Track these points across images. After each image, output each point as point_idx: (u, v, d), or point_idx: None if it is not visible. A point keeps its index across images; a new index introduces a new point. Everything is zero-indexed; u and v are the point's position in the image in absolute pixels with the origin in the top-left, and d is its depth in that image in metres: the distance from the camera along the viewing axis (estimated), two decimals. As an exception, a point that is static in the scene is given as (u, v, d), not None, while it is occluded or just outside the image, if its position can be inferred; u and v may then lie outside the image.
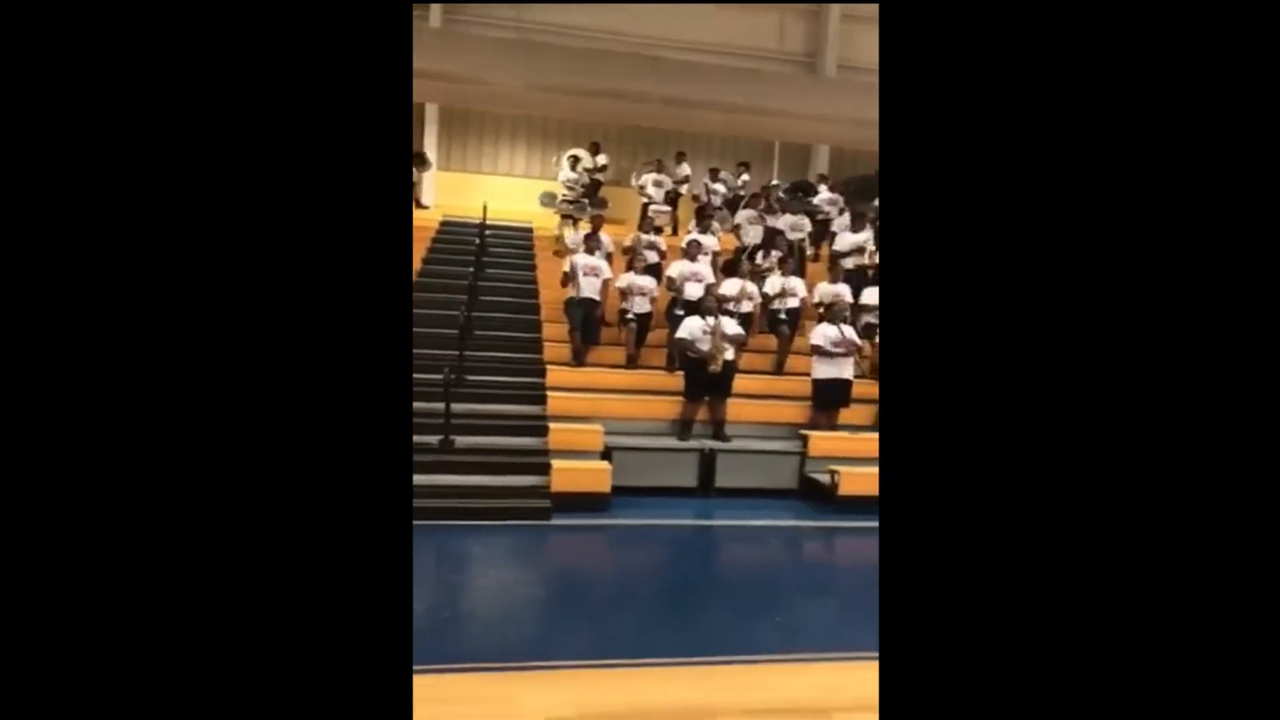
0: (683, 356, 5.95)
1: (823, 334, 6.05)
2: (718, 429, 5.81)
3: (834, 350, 5.94)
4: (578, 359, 6.47)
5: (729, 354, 5.77)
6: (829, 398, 6.01)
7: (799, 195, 9.52)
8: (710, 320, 5.78)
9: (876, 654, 3.08)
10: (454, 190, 10.94)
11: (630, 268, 6.80)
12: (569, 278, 6.50)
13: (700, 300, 6.13)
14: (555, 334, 6.82)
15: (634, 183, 10.08)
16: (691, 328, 5.82)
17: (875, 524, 4.81)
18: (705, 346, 5.70)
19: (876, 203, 9.76)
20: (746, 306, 6.76)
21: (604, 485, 5.06)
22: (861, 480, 5.32)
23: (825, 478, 5.45)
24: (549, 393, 5.89)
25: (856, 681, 2.65)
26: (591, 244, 6.86)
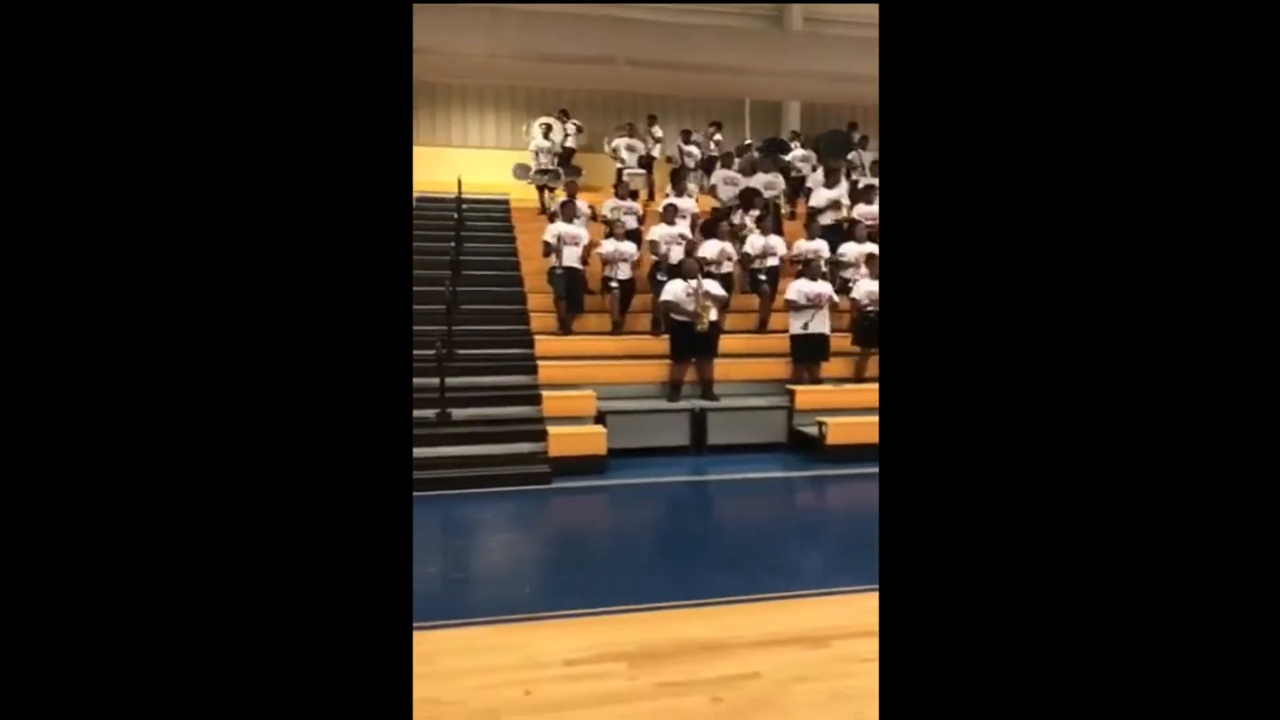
0: (668, 319, 6.06)
1: (797, 289, 6.19)
2: (706, 388, 5.96)
3: (806, 304, 6.08)
4: (564, 328, 6.55)
5: (713, 314, 5.89)
6: (808, 352, 6.17)
7: (773, 153, 9.57)
8: (693, 282, 5.88)
9: (868, 587, 3.29)
10: (427, 165, 10.78)
11: (610, 234, 6.86)
12: (550, 248, 6.55)
13: (681, 263, 6.22)
14: (540, 304, 6.89)
15: (606, 148, 10.05)
16: (676, 290, 5.92)
17: (862, 470, 5.04)
18: (690, 308, 5.82)
19: (850, 156, 9.84)
20: (727, 267, 6.87)
21: (600, 448, 5.20)
22: (848, 430, 5.53)
23: (813, 429, 5.64)
24: (539, 362, 5.99)
25: (852, 612, 2.84)
26: (569, 212, 6.89)
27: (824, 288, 6.22)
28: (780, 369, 6.35)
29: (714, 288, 5.98)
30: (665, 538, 4.28)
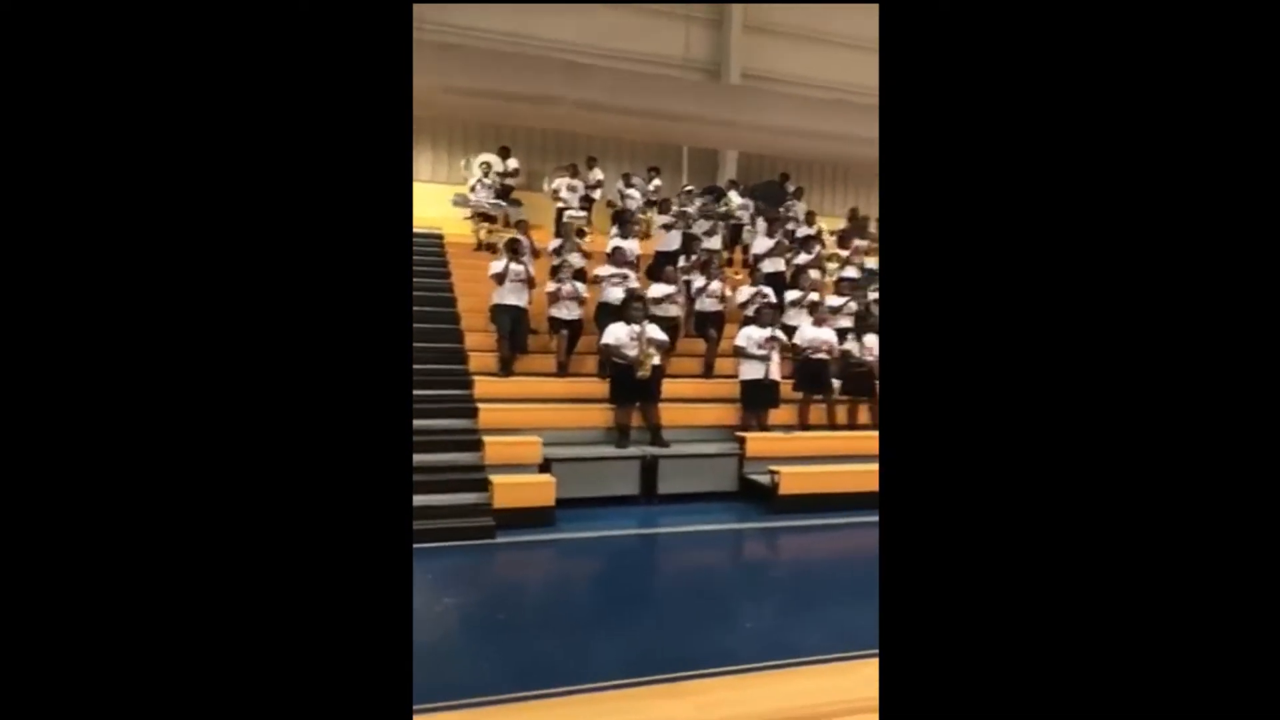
0: (609, 363, 5.87)
1: (747, 335, 6.13)
2: (655, 434, 5.76)
3: (758, 352, 6.03)
4: (506, 368, 6.24)
5: (655, 359, 5.73)
6: (757, 399, 6.10)
7: (712, 200, 9.67)
8: (636, 327, 5.72)
9: (851, 654, 3.08)
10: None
11: (555, 273, 6.65)
12: (502, 277, 6.26)
13: (625, 305, 6.06)
14: (478, 343, 6.55)
15: (546, 187, 9.90)
16: (617, 333, 5.74)
17: (817, 521, 4.91)
18: (632, 352, 5.64)
19: (783, 209, 10.07)
20: (673, 310, 6.77)
21: (548, 499, 4.89)
22: (800, 479, 5.44)
23: (765, 478, 5.52)
24: (479, 405, 5.64)
25: (845, 685, 2.65)
26: (516, 249, 6.65)
27: (772, 334, 6.19)
28: (728, 415, 6.24)
29: (656, 333, 5.84)
30: (625, 600, 3.99)
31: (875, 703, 2.58)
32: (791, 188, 10.64)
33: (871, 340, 6.53)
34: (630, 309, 5.85)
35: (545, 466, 5.21)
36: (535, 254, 7.06)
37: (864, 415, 6.57)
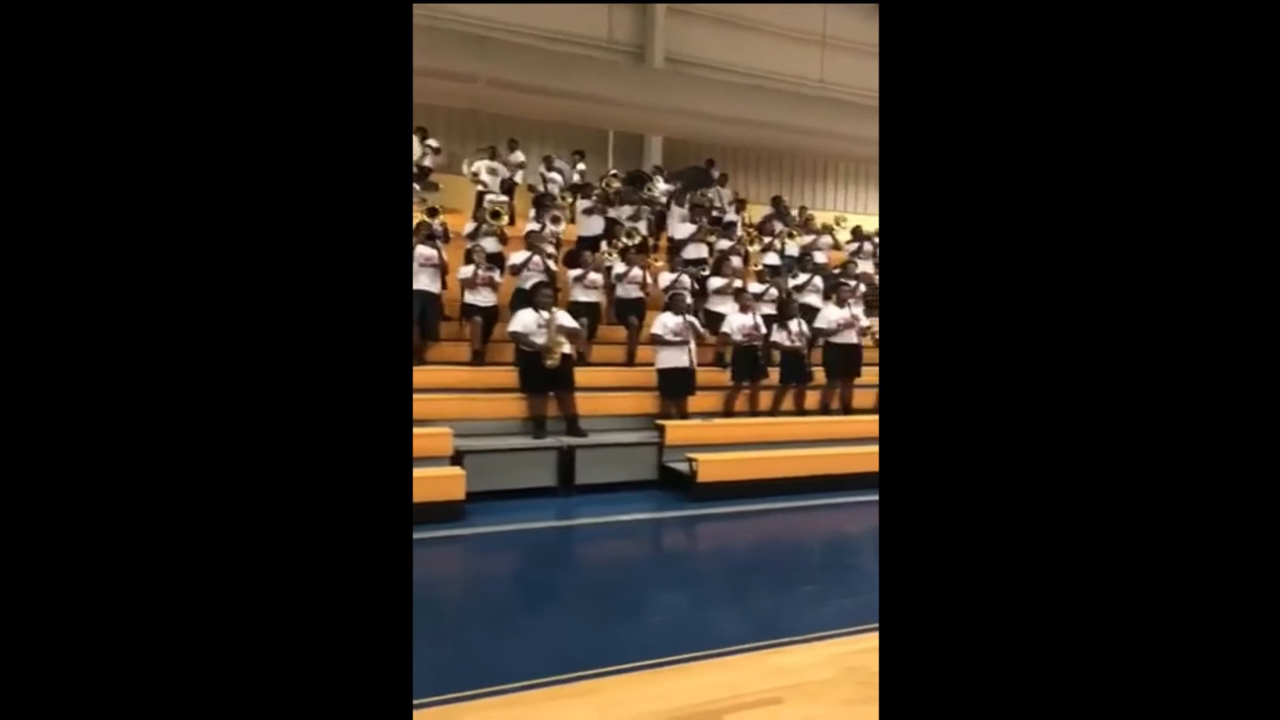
0: (518, 351, 5.68)
1: (663, 323, 6.04)
2: (571, 424, 5.62)
3: (673, 339, 5.95)
4: (416, 357, 5.96)
5: (566, 348, 5.57)
6: (674, 386, 6.03)
7: (636, 185, 9.54)
8: (544, 314, 5.54)
9: (758, 645, 3.05)
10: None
11: (470, 258, 6.39)
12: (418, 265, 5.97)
13: (534, 291, 5.87)
14: (389, 332, 6.24)
15: (465, 170, 9.57)
16: (525, 321, 5.55)
17: (735, 508, 4.86)
18: (540, 340, 5.47)
19: (710, 193, 10.04)
20: (592, 296, 6.63)
21: (457, 492, 4.69)
22: (718, 467, 5.40)
23: (684, 466, 5.46)
24: (387, 396, 5.36)
25: (746, 678, 2.59)
26: (427, 233, 6.36)
27: (690, 321, 6.12)
28: (649, 403, 6.15)
29: (566, 320, 5.67)
30: (533, 596, 3.84)
31: (778, 694, 2.52)
32: (716, 174, 10.62)
33: (795, 326, 6.55)
34: (539, 295, 5.66)
35: (457, 459, 5.00)
36: (447, 238, 6.78)
37: (792, 401, 6.61)
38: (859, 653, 2.78)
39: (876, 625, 3.40)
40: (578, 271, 6.61)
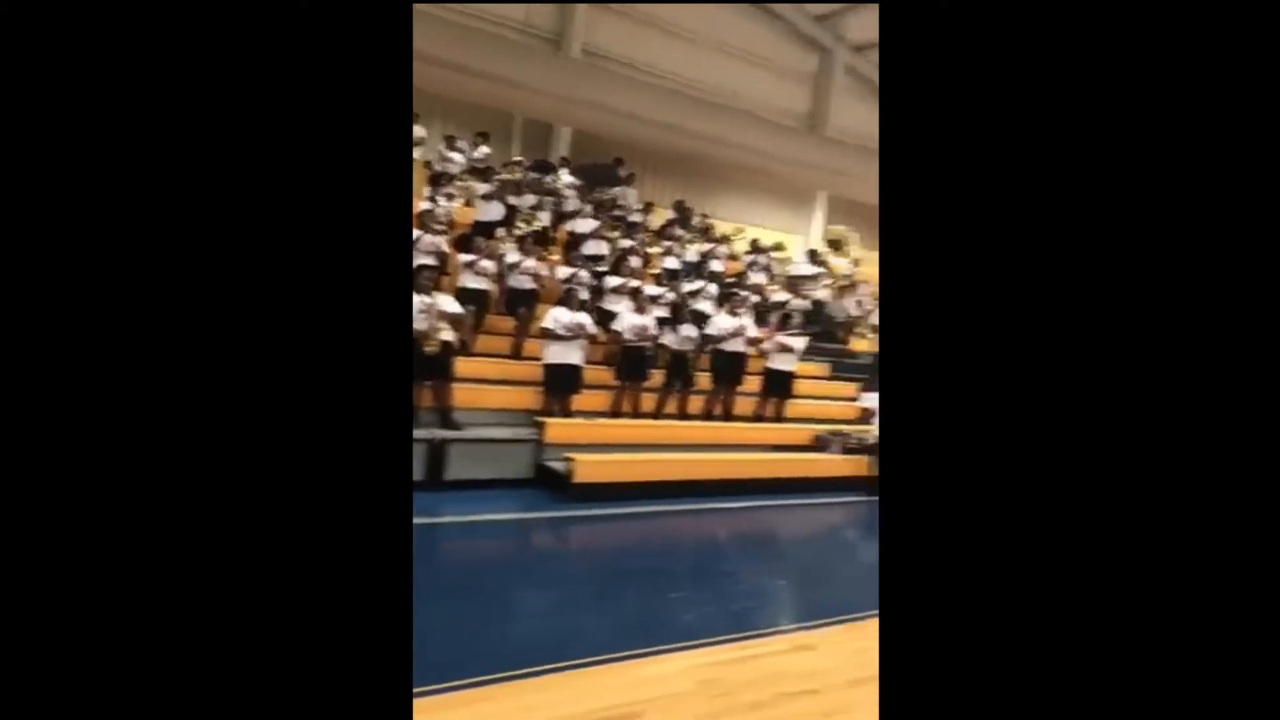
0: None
1: (555, 317, 5.88)
2: (444, 416, 5.34)
3: (564, 334, 5.81)
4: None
5: (446, 335, 5.31)
6: (560, 382, 5.88)
7: (540, 175, 9.31)
8: (425, 298, 5.25)
9: (614, 656, 2.94)
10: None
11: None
12: None
13: (416, 274, 5.53)
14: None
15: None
16: None
17: (609, 510, 4.73)
18: (420, 326, 5.18)
19: (615, 191, 9.94)
20: (483, 284, 6.37)
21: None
22: (596, 468, 5.29)
23: (561, 466, 5.31)
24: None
25: (598, 692, 2.48)
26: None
27: (583, 318, 5.99)
28: (531, 399, 5.96)
29: (448, 305, 5.41)
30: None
31: (637, 708, 2.42)
32: (624, 173, 10.54)
33: (687, 330, 6.54)
34: (420, 277, 5.35)
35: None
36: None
37: (675, 405, 6.60)
38: (717, 664, 2.74)
39: (740, 635, 3.36)
40: (469, 257, 6.33)
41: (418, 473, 5.02)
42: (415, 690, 2.39)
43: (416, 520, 4.57)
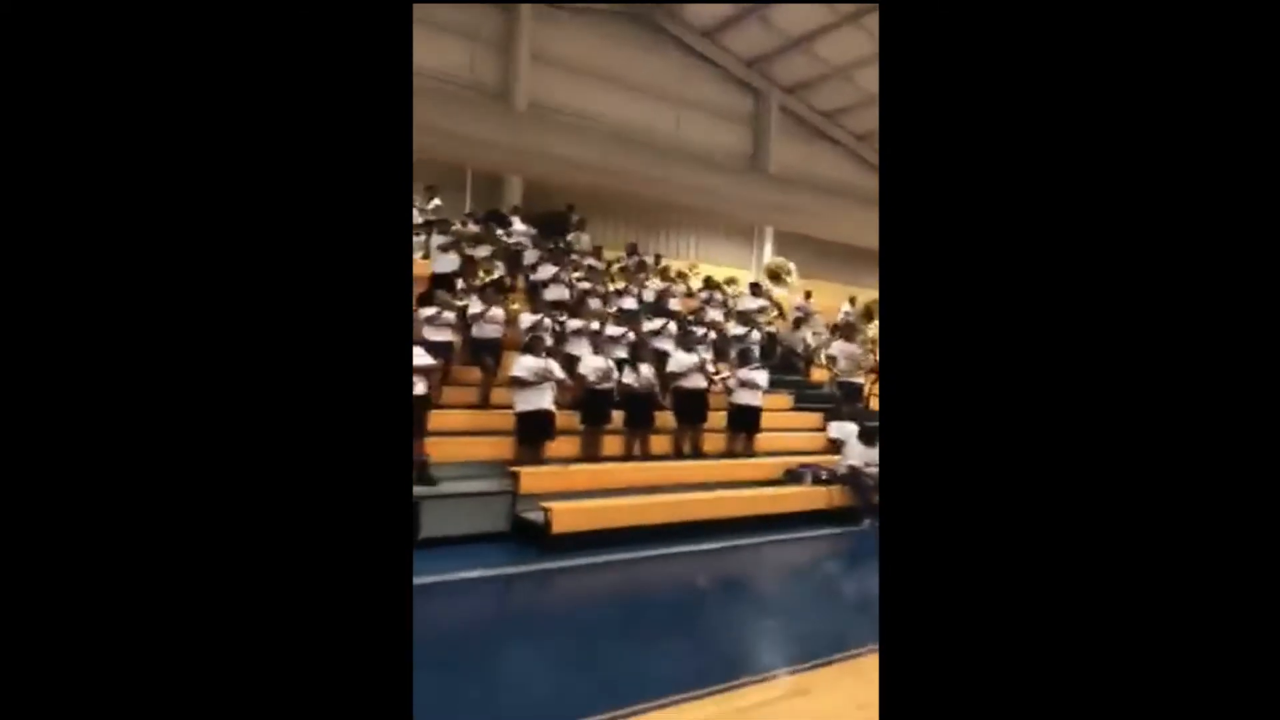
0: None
1: (523, 365, 5.88)
2: (420, 471, 5.25)
3: (533, 380, 5.81)
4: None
5: (418, 388, 5.26)
6: (534, 430, 5.85)
7: (493, 225, 9.36)
8: None
9: (611, 714, 2.88)
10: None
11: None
12: None
13: None
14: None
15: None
16: None
17: (588, 560, 4.65)
18: None
19: (569, 237, 10.05)
20: (446, 335, 6.33)
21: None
22: (573, 516, 5.25)
23: (538, 516, 5.25)
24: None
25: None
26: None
27: (553, 365, 5.99)
28: (504, 448, 5.91)
29: (419, 358, 5.37)
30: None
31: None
32: (576, 218, 10.68)
33: (645, 370, 6.60)
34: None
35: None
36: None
37: (638, 446, 6.61)
38: (715, 717, 2.72)
39: (732, 683, 3.32)
40: (430, 311, 6.29)
41: (391, 534, 4.89)
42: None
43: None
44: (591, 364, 6.26)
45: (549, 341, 6.40)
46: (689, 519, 5.73)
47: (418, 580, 4.44)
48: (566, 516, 5.20)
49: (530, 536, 5.24)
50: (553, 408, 5.90)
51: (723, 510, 6.02)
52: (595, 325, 6.97)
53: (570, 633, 3.93)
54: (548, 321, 6.75)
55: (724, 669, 3.20)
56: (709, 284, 9.89)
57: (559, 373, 6.02)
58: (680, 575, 5.11)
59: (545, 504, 5.26)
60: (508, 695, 3.01)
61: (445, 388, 6.38)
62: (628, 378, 6.51)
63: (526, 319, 6.77)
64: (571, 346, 6.80)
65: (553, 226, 10.27)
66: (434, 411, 5.83)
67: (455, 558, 4.83)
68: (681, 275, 10.11)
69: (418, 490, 5.09)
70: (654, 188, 10.85)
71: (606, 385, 6.27)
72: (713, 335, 7.92)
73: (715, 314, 8.94)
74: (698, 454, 6.84)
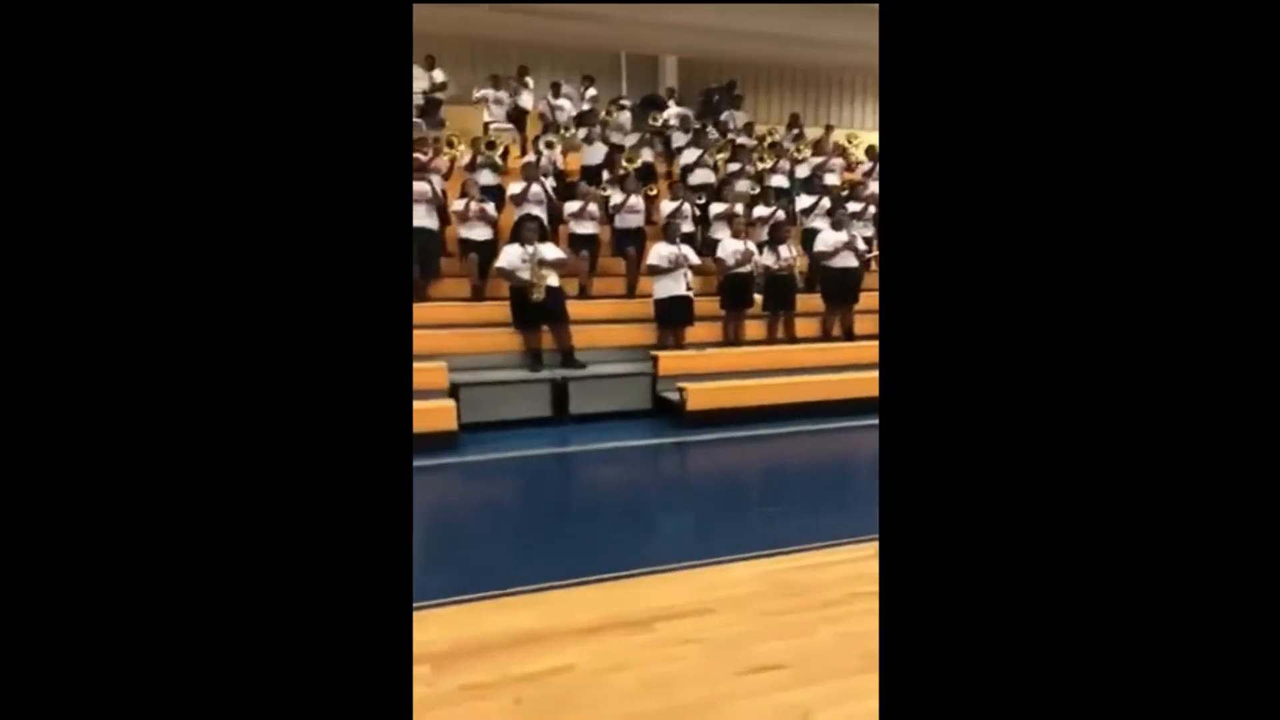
0: (508, 286, 5.80)
1: (658, 252, 6.05)
2: (566, 357, 5.77)
3: (668, 267, 5.97)
4: (418, 294, 6.15)
5: (552, 280, 5.65)
6: (671, 316, 6.08)
7: (646, 111, 9.33)
8: (529, 248, 5.60)
9: (701, 562, 3.22)
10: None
11: (464, 191, 6.45)
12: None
13: (518, 225, 5.89)
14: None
15: (474, 98, 9.50)
16: (510, 256, 5.64)
17: (718, 435, 4.93)
18: (525, 275, 5.55)
19: (724, 117, 9.75)
20: (591, 228, 6.65)
21: (450, 423, 4.93)
22: (707, 395, 5.52)
23: (675, 395, 5.59)
24: (388, 332, 5.59)
25: (681, 590, 2.78)
26: (421, 167, 6.43)
27: (688, 250, 6.11)
28: (648, 334, 6.25)
29: (550, 253, 5.73)
30: (524, 515, 4.10)
31: (710, 605, 2.69)
32: (728, 96, 10.28)
33: (785, 250, 6.47)
34: (524, 229, 5.72)
35: (453, 392, 5.23)
36: (447, 174, 6.84)
37: (783, 329, 6.61)
38: (788, 570, 2.95)
39: (818, 543, 3.50)
40: (575, 205, 6.62)
41: (544, 409, 5.53)
42: (551, 583, 2.85)
43: (548, 450, 5.11)
44: (730, 247, 6.28)
45: (689, 228, 6.48)
46: (822, 399, 5.76)
47: (569, 448, 5.10)
48: (701, 395, 5.49)
49: (669, 413, 5.64)
50: (689, 293, 6.08)
51: (856, 391, 5.93)
52: (739, 208, 6.90)
53: (694, 496, 4.31)
54: (687, 208, 6.79)
55: (826, 531, 3.34)
56: (871, 154, 9.18)
57: (694, 258, 6.13)
58: (804, 451, 5.26)
59: (682, 385, 5.57)
60: (640, 540, 3.46)
61: (594, 279, 6.78)
62: (766, 258, 6.46)
63: (667, 205, 6.87)
64: (714, 230, 6.83)
65: (708, 109, 10.00)
66: (584, 302, 6.28)
67: (602, 430, 5.37)
68: (840, 147, 9.43)
69: (564, 373, 5.63)
70: (807, 48, 10.03)
71: (745, 268, 6.28)
72: (872, 210, 7.48)
73: (875, 187, 8.37)
74: (849, 336, 6.70)
